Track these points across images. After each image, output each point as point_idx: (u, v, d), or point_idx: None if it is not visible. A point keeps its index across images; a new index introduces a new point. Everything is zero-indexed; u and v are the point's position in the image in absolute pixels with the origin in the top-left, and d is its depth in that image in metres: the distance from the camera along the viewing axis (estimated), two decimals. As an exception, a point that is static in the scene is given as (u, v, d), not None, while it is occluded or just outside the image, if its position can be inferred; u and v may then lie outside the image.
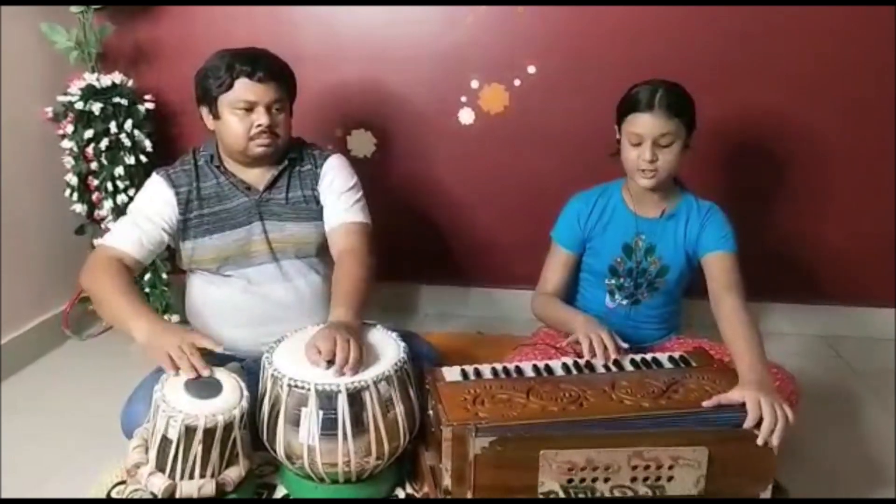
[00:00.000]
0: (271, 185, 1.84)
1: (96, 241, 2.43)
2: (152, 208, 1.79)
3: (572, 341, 1.70)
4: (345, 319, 1.59)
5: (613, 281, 1.89)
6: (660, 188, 1.80)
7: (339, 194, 1.85)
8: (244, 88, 1.74)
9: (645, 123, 1.71)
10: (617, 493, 1.40)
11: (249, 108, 1.75)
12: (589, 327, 1.67)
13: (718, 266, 1.77)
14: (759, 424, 1.39)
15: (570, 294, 1.98)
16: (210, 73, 1.76)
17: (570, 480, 1.38)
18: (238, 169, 1.84)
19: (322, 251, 1.88)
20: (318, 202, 1.87)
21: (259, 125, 1.75)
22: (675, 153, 1.73)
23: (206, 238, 1.81)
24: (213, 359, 1.54)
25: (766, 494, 1.44)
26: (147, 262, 1.82)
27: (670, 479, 1.40)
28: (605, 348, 1.62)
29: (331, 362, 1.48)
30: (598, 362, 1.61)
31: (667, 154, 1.73)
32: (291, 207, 1.85)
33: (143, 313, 1.58)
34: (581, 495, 1.39)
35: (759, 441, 1.38)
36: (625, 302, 1.90)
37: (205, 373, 1.48)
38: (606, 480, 1.39)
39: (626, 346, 1.66)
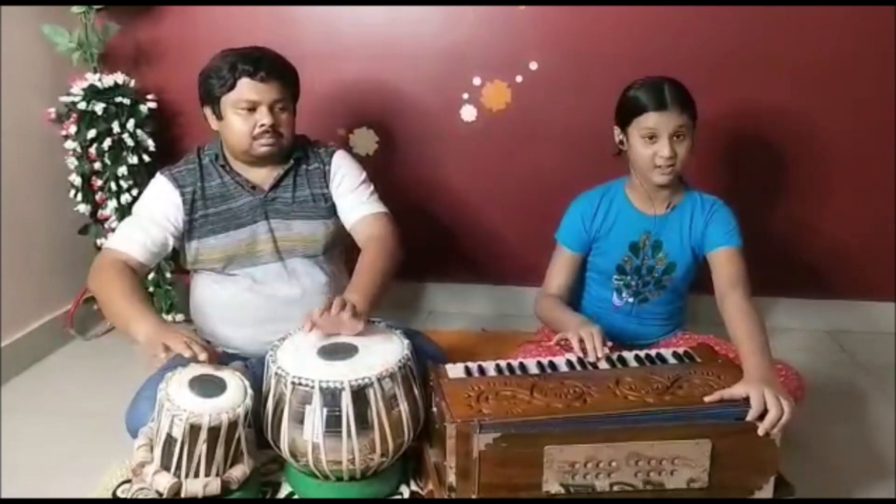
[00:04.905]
0: (277, 184, 1.84)
1: (100, 242, 2.45)
2: (158, 209, 1.79)
3: (560, 339, 1.70)
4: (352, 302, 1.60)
5: (620, 279, 1.89)
6: (670, 184, 1.80)
7: (352, 190, 1.87)
8: (246, 88, 1.74)
9: (660, 120, 1.71)
10: (616, 489, 1.40)
11: (252, 108, 1.75)
12: (581, 327, 1.68)
13: (724, 262, 1.77)
14: (761, 417, 1.39)
15: (575, 293, 1.98)
16: (213, 74, 1.76)
17: (574, 476, 1.39)
18: (243, 168, 1.85)
19: (329, 249, 1.89)
20: (326, 200, 1.87)
21: (262, 125, 1.75)
22: (688, 146, 1.74)
23: (210, 238, 1.81)
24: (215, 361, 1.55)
25: (769, 486, 1.44)
26: (152, 265, 1.83)
27: (673, 472, 1.40)
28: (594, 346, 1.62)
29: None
30: (589, 358, 1.61)
31: (682, 148, 1.74)
32: (299, 206, 1.85)
33: (146, 316, 1.58)
34: (574, 488, 1.39)
35: (760, 431, 1.38)
36: (632, 300, 1.90)
37: (201, 357, 1.49)
38: (609, 475, 1.39)
39: (608, 345, 1.65)
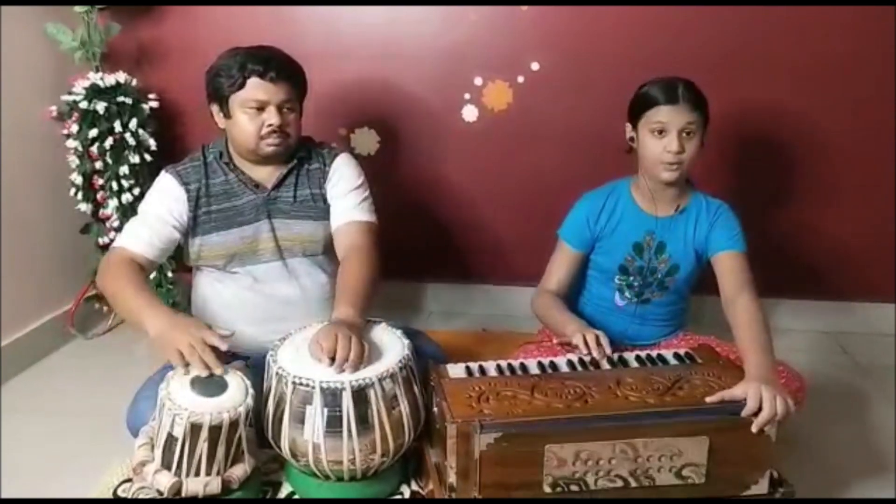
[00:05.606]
0: (280, 184, 1.84)
1: (102, 241, 2.46)
2: (163, 206, 1.79)
3: (563, 342, 1.71)
4: (347, 318, 1.59)
5: (623, 279, 1.89)
6: (677, 183, 1.80)
7: (345, 193, 1.86)
8: (256, 88, 1.73)
9: (670, 114, 1.71)
10: (615, 487, 1.40)
11: (261, 108, 1.75)
12: (585, 329, 1.68)
13: (730, 266, 1.77)
14: (757, 414, 1.39)
15: (576, 292, 1.98)
16: (222, 72, 1.75)
17: (575, 475, 1.39)
18: (247, 166, 1.84)
19: (329, 250, 1.89)
20: (325, 201, 1.87)
21: (270, 125, 1.75)
22: (697, 145, 1.74)
23: (213, 235, 1.81)
24: (220, 357, 1.55)
25: (765, 481, 1.44)
26: (161, 261, 1.83)
27: (671, 469, 1.40)
28: (599, 345, 1.63)
29: (333, 359, 1.48)
30: (595, 354, 1.62)
31: (690, 145, 1.73)
32: (299, 206, 1.85)
33: (158, 308, 1.59)
34: (574, 488, 1.39)
35: (754, 428, 1.39)
36: (634, 300, 1.90)
37: (217, 371, 1.49)
38: (609, 473, 1.39)
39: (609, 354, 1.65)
